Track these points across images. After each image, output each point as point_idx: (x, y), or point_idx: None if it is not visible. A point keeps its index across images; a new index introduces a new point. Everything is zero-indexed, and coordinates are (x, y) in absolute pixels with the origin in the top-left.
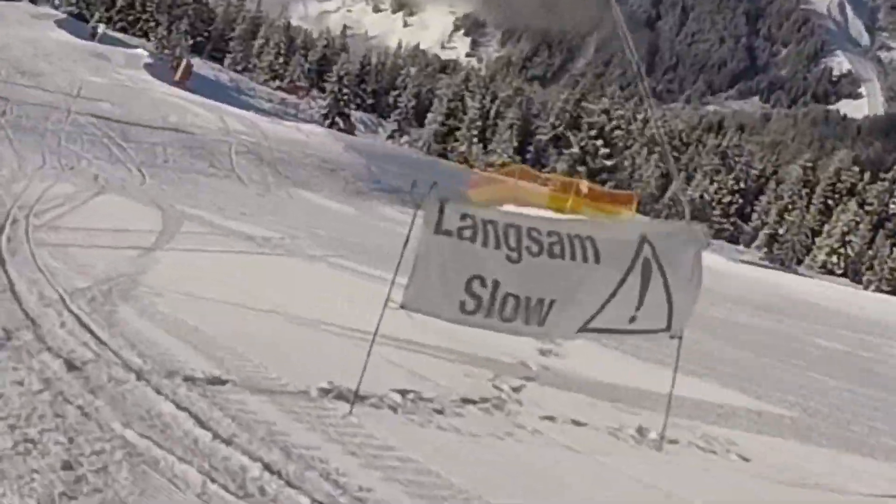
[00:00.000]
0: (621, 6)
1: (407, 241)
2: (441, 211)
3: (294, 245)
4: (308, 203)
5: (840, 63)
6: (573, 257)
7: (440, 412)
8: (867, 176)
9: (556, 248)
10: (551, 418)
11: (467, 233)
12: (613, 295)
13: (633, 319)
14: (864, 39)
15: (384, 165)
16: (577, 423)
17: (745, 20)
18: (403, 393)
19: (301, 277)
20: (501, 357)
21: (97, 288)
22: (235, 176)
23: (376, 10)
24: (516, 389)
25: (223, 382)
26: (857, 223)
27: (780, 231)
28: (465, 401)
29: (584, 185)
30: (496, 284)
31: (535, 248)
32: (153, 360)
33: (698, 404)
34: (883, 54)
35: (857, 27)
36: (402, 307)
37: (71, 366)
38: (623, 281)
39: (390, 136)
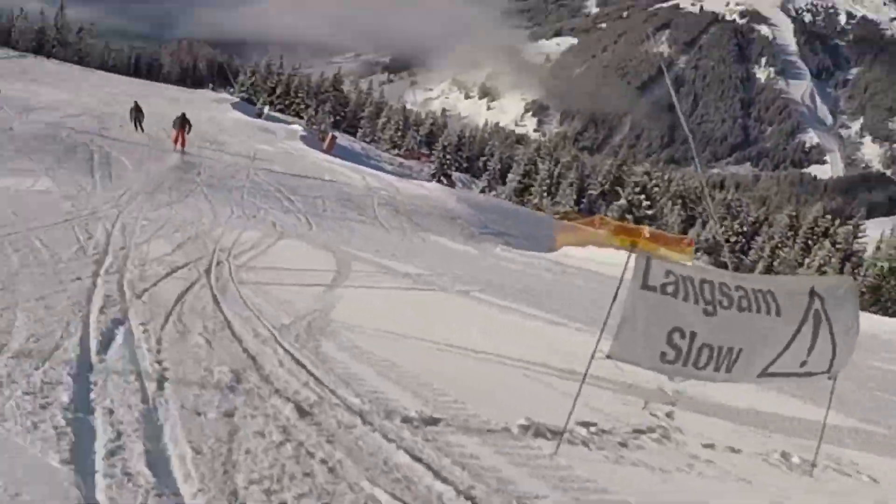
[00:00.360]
0: (651, 97)
1: (615, 298)
2: (647, 267)
3: (442, 281)
4: (438, 245)
5: (811, 138)
6: (759, 310)
7: (624, 445)
8: (837, 222)
9: (743, 301)
10: (711, 446)
11: (670, 288)
12: (790, 343)
13: (803, 364)
14: (829, 120)
15: (486, 214)
16: (732, 449)
17: (740, 105)
18: (585, 426)
19: (457, 311)
20: (641, 383)
21: (298, 324)
22: (379, 223)
23: (467, 97)
24: (669, 416)
25: (436, 422)
26: (830, 258)
27: (774, 264)
28: (637, 431)
29: (646, 230)
30: (693, 336)
31: (725, 302)
32: (369, 399)
33: (808, 426)
34: (843, 131)
35: (823, 111)
36: (609, 357)
37: (301, 410)
38: (798, 331)
39: (482, 191)
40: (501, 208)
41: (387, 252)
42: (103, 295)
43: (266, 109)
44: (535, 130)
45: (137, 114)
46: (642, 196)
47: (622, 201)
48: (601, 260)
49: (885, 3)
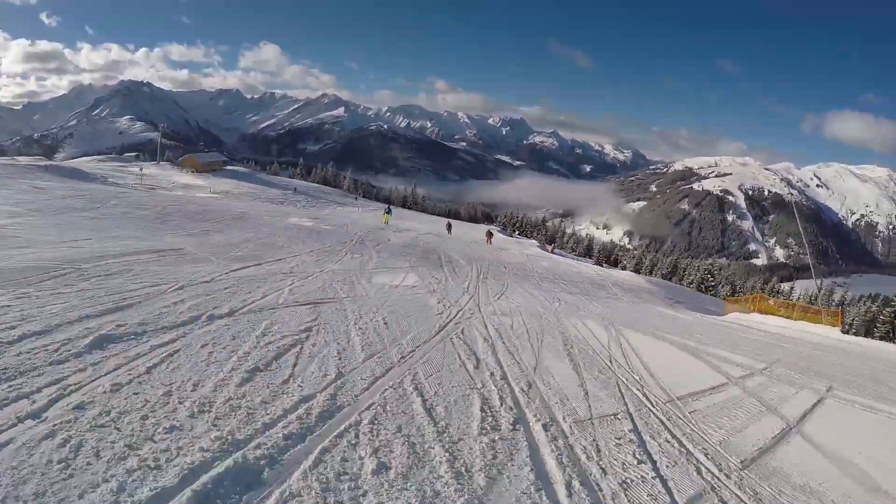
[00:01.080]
0: (679, 228)
1: None
2: None
3: (779, 373)
4: (659, 311)
5: (752, 245)
6: None
7: None
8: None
9: None
10: None
11: None
12: None
13: None
14: (760, 238)
15: (660, 287)
16: None
17: (720, 231)
18: None
19: (841, 414)
20: None
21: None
22: (620, 298)
23: (596, 228)
24: None
25: None
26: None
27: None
28: None
29: (789, 302)
30: None
31: None
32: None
33: None
34: (766, 242)
35: (757, 234)
36: None
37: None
38: None
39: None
40: (664, 283)
41: (648, 324)
42: (484, 338)
43: (517, 234)
44: (629, 244)
45: (449, 225)
46: (709, 276)
47: (692, 276)
48: (768, 322)
49: (782, 181)
